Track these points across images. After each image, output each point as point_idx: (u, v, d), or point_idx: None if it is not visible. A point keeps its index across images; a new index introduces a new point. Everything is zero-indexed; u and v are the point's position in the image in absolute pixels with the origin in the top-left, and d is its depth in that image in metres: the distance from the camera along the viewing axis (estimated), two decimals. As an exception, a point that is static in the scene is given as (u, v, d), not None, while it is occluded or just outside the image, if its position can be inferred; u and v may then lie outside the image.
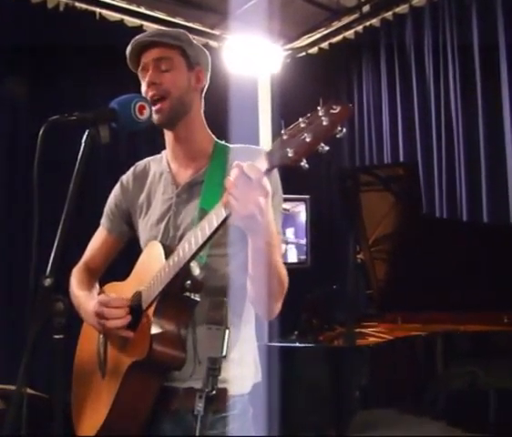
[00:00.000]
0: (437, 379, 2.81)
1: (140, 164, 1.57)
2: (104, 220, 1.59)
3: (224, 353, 1.13)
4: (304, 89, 5.12)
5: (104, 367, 1.41)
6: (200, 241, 1.20)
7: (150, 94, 1.38)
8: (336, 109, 1.01)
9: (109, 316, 1.32)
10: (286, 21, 4.84)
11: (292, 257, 4.94)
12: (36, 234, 1.06)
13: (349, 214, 3.38)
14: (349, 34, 4.90)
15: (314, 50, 5.21)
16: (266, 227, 1.13)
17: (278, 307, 1.32)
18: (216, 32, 4.93)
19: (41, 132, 1.09)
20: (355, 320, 3.10)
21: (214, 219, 1.17)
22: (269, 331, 3.39)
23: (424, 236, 3.30)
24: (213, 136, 1.51)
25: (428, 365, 2.80)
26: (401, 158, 4.82)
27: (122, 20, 4.40)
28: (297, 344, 2.93)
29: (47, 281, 1.04)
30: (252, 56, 5.01)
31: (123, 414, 1.32)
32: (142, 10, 4.51)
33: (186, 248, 1.24)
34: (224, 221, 1.15)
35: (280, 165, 1.06)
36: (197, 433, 1.10)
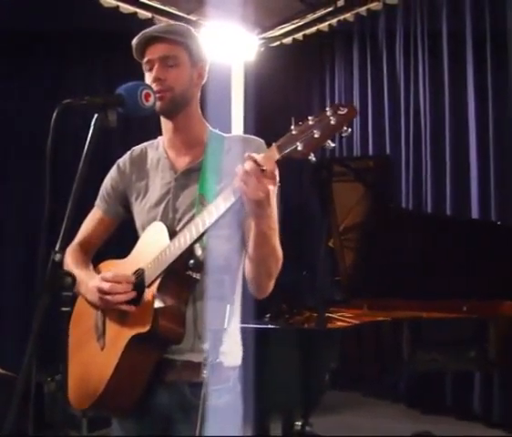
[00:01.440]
0: (403, 363, 2.94)
1: (137, 149, 1.62)
2: (99, 202, 1.63)
3: (226, 326, 1.21)
4: (278, 78, 5.21)
5: (103, 339, 1.46)
6: (208, 224, 1.28)
7: (155, 89, 1.42)
8: (343, 111, 1.13)
9: (114, 291, 1.37)
10: (262, 10, 4.90)
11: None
12: (48, 214, 1.10)
13: (321, 202, 3.48)
14: (323, 26, 5.00)
15: (289, 40, 5.28)
16: (271, 212, 1.23)
17: (271, 285, 1.42)
18: (192, 17, 4.94)
19: (55, 114, 1.13)
20: (327, 305, 3.21)
21: (222, 203, 1.25)
22: (242, 313, 3.48)
23: (390, 226, 3.42)
24: (208, 125, 1.57)
25: (394, 350, 2.93)
26: (370, 150, 4.98)
27: (98, 1, 4.36)
28: (271, 326, 3.02)
29: (57, 256, 1.09)
30: (227, 44, 5.04)
31: (121, 385, 1.38)
32: (118, -8, 4.49)
33: (193, 229, 1.32)
34: (231, 206, 1.24)
35: (289, 156, 1.16)
36: (202, 399, 1.17)
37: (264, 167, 1.16)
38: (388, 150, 4.84)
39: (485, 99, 4.30)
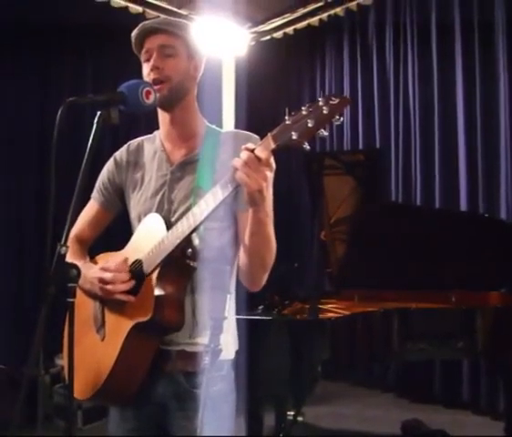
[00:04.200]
0: (393, 353, 3.00)
1: (133, 142, 1.65)
2: (95, 194, 1.66)
3: (226, 314, 1.25)
4: (268, 72, 5.24)
5: (103, 330, 1.49)
6: (206, 213, 1.31)
7: (152, 77, 1.47)
8: (335, 100, 1.17)
9: (113, 281, 1.41)
10: (252, 4, 4.92)
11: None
12: (53, 208, 1.14)
13: (313, 196, 3.53)
14: (313, 21, 5.03)
15: (279, 34, 5.31)
16: (268, 199, 1.29)
17: (264, 279, 1.46)
18: (183, 11, 4.95)
19: (59, 112, 1.17)
20: (319, 296, 3.26)
21: (220, 193, 1.29)
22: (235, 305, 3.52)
23: (380, 218, 3.48)
24: (205, 120, 1.61)
25: (384, 340, 2.99)
26: (360, 144, 5.03)
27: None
28: (263, 317, 3.06)
29: (63, 249, 1.13)
30: (218, 38, 5.06)
31: (123, 375, 1.41)
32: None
33: (191, 218, 1.35)
34: (228, 196, 1.28)
35: (284, 146, 1.21)
36: (205, 386, 1.22)
37: (261, 157, 1.21)
38: (378, 143, 4.89)
39: (473, 92, 4.36)
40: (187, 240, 1.36)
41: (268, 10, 5.12)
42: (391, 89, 4.83)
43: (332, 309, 3.31)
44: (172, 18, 1.56)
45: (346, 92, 5.11)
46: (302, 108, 1.18)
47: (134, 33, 1.52)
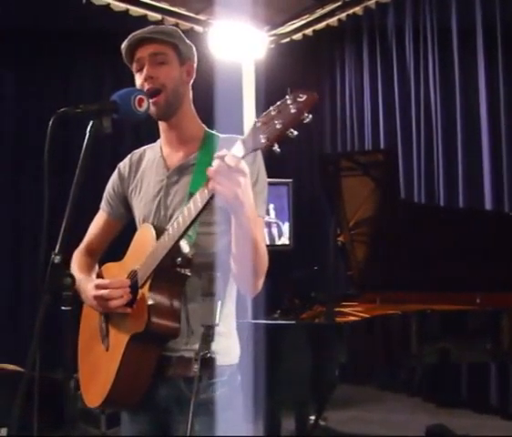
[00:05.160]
0: (411, 355, 2.95)
1: (137, 152, 1.67)
2: (103, 204, 1.69)
3: (217, 322, 1.24)
4: (288, 75, 5.22)
5: (107, 340, 1.52)
6: (188, 221, 1.31)
7: (147, 87, 1.48)
8: (303, 97, 1.11)
9: (109, 297, 1.42)
10: (271, 7, 4.91)
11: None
12: (46, 218, 1.15)
13: (330, 198, 3.49)
14: (332, 21, 4.99)
15: (298, 36, 5.28)
16: (247, 203, 1.26)
17: (259, 284, 1.43)
18: (201, 17, 4.98)
19: (50, 123, 1.19)
20: (336, 300, 3.23)
21: (199, 201, 1.29)
22: (253, 309, 3.52)
23: (401, 220, 3.42)
24: (204, 125, 1.61)
25: (403, 342, 2.94)
26: (381, 144, 4.97)
27: (108, 4, 4.43)
28: (279, 321, 3.05)
29: (57, 258, 1.14)
30: (237, 42, 5.07)
31: (126, 383, 1.44)
32: (129, -6, 4.55)
33: (175, 227, 1.36)
34: (207, 203, 1.28)
35: (254, 150, 1.18)
36: (194, 393, 1.22)
37: (231, 164, 1.19)
38: (399, 144, 4.83)
39: (496, 91, 4.27)
40: (175, 249, 1.36)
41: (286, 12, 5.11)
42: (412, 88, 4.76)
43: (353, 313, 3.28)
44: (161, 26, 1.56)
45: (366, 91, 5.06)
46: (271, 108, 1.14)
47: (124, 44, 1.53)
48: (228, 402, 1.45)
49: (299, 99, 1.11)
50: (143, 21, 4.63)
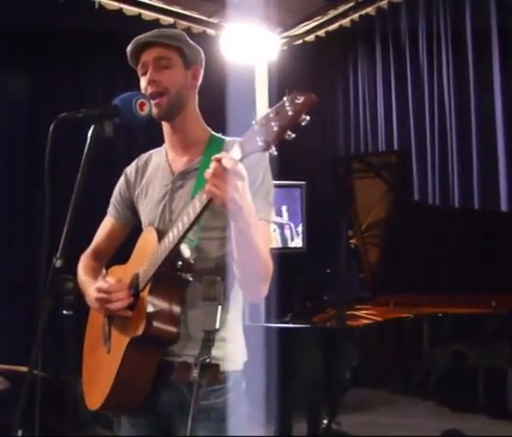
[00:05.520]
0: (423, 359, 2.92)
1: (143, 156, 1.67)
2: (110, 209, 1.68)
3: (217, 326, 1.22)
4: (301, 76, 5.20)
5: (109, 342, 1.52)
6: (186, 225, 1.31)
7: (150, 91, 1.48)
8: (300, 99, 1.10)
9: (110, 300, 1.42)
10: (283, 9, 4.90)
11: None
12: (48, 223, 1.16)
13: (342, 200, 3.47)
14: (345, 22, 4.96)
15: (311, 38, 5.26)
16: (245, 207, 1.25)
17: (263, 290, 1.40)
18: (214, 20, 4.99)
19: (51, 128, 1.20)
20: (347, 303, 3.20)
21: (197, 205, 1.29)
22: (266, 313, 3.52)
23: (414, 222, 3.39)
24: (209, 128, 1.60)
25: (415, 346, 2.91)
26: (395, 145, 4.92)
27: (121, 9, 4.46)
28: (290, 325, 3.04)
29: (58, 263, 1.15)
30: (249, 44, 5.07)
31: (125, 387, 1.43)
32: (141, -1, 4.57)
33: (175, 231, 1.34)
34: (206, 207, 1.27)
35: (251, 153, 1.18)
36: (193, 399, 1.21)
37: (228, 167, 1.18)
38: (413, 145, 4.78)
39: (511, 90, 4.20)
40: (175, 253, 1.36)
41: (299, 14, 5.09)
42: (425, 88, 4.71)
43: (365, 316, 3.25)
44: (167, 30, 1.56)
45: (380, 93, 5.02)
46: (269, 110, 1.13)
47: (129, 48, 1.53)
48: (232, 409, 1.44)
49: (296, 101, 1.10)
50: (154, 25, 4.65)
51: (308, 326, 3.05)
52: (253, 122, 1.16)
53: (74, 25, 4.26)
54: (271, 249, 1.44)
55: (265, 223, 1.44)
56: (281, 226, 4.93)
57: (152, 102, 1.44)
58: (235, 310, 1.51)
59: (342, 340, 2.79)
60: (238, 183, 1.20)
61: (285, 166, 5.52)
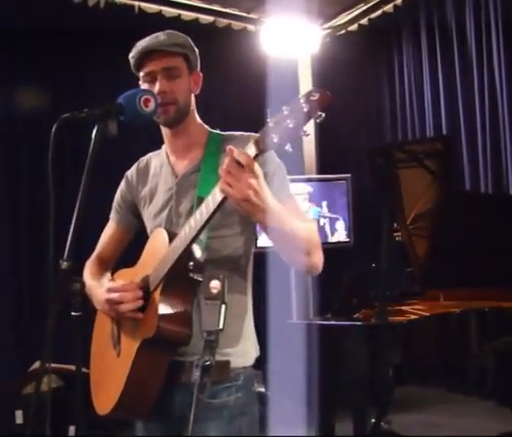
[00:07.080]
0: (471, 355, 2.78)
1: (143, 159, 1.67)
2: (112, 214, 1.68)
3: (221, 327, 1.20)
4: (345, 67, 5.09)
5: (118, 346, 1.51)
6: (199, 225, 1.29)
7: (159, 101, 1.45)
8: (316, 96, 1.09)
9: (121, 300, 1.40)
10: (323, -1, 4.81)
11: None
12: (53, 225, 1.16)
13: (382, 192, 3.36)
14: (388, 8, 4.81)
15: (354, 27, 5.13)
16: (264, 205, 1.21)
17: (315, 260, 1.36)
18: (253, 16, 4.95)
19: (54, 129, 1.20)
20: (388, 298, 3.10)
21: (211, 203, 1.26)
22: (304, 309, 3.46)
23: (463, 211, 3.23)
24: (207, 126, 1.59)
25: (462, 342, 2.77)
26: (444, 133, 4.73)
27: (160, 11, 4.50)
28: (331, 322, 2.98)
29: (65, 264, 1.15)
30: (291, 38, 5.00)
31: (136, 389, 1.42)
32: (179, -1, 4.60)
33: (187, 231, 1.32)
34: (220, 205, 1.25)
35: (266, 150, 1.16)
36: (194, 400, 1.18)
37: (243, 163, 1.16)
38: (463, 133, 4.57)
39: None
40: (187, 253, 1.34)
41: (340, 3, 4.98)
42: (474, 74, 4.49)
43: (413, 311, 3.14)
44: (172, 35, 1.51)
45: (426, 78, 4.83)
46: (284, 108, 1.12)
47: (133, 54, 1.51)
48: (243, 408, 1.41)
49: (312, 98, 1.10)
50: (194, 24, 4.66)
51: (347, 323, 2.97)
52: (268, 119, 1.14)
53: (80, 22, 4.28)
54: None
55: (289, 199, 1.42)
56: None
57: (160, 109, 1.44)
58: (245, 305, 1.49)
59: (383, 336, 2.70)
60: (251, 181, 1.17)
61: (329, 160, 5.45)
